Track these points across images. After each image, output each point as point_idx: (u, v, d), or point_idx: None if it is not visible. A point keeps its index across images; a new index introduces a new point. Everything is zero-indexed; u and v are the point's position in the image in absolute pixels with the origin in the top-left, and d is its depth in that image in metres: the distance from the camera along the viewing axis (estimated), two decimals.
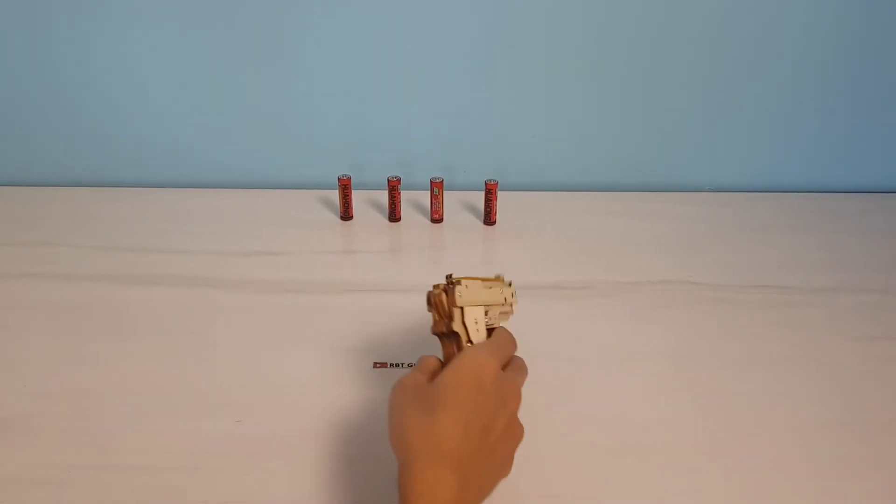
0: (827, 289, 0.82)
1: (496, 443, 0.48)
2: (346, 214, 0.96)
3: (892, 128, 1.04)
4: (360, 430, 0.61)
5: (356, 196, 0.97)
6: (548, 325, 0.75)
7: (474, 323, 0.55)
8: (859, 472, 0.58)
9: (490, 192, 0.94)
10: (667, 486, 0.57)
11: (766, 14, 0.95)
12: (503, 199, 0.96)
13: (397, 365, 0.69)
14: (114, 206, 0.99)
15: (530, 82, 1.00)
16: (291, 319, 0.76)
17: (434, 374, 0.52)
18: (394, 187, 0.93)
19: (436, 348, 0.71)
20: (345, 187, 0.94)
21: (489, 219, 0.95)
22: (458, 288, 0.55)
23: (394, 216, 0.95)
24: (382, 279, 0.83)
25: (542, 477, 0.56)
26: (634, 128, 1.04)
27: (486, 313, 0.57)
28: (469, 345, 0.54)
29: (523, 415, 0.62)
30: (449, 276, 0.57)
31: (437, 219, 0.96)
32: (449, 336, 0.56)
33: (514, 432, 0.50)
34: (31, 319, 0.75)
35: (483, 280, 0.58)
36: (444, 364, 0.54)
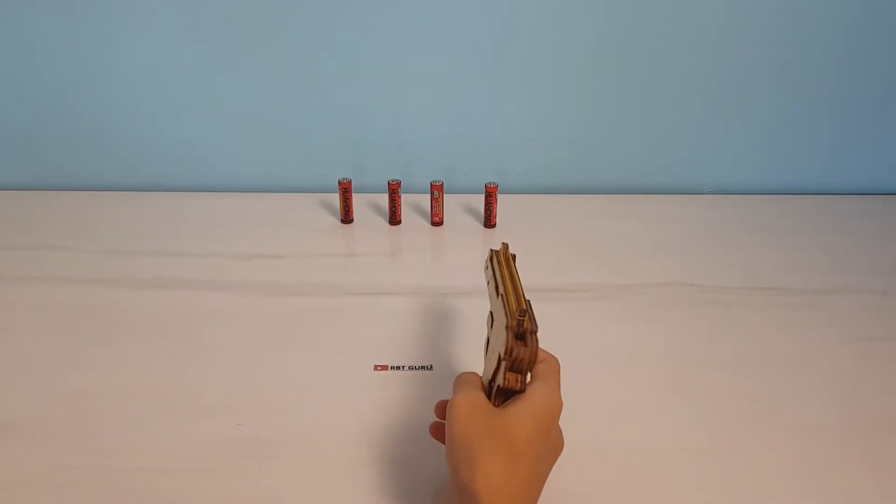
0: (827, 290, 0.82)
1: (542, 484, 0.49)
2: (347, 217, 0.96)
3: (892, 130, 1.04)
4: (360, 432, 0.61)
5: (357, 199, 0.98)
6: (548, 328, 0.75)
7: None
8: (859, 472, 0.58)
9: (490, 195, 0.94)
10: (666, 487, 0.57)
11: (765, 16, 0.96)
12: (503, 202, 0.96)
13: (398, 367, 0.69)
14: (115, 210, 0.99)
15: (530, 85, 1.00)
16: (292, 322, 0.76)
17: (482, 387, 0.50)
18: (394, 190, 0.94)
19: (434, 351, 0.71)
20: (345, 190, 0.94)
21: (489, 221, 0.95)
22: (535, 339, 0.47)
23: (394, 219, 0.96)
24: (383, 282, 0.83)
25: None
26: (634, 130, 1.04)
27: None
28: (532, 380, 0.49)
29: None
30: (524, 313, 0.47)
31: (437, 222, 0.96)
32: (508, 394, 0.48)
33: (547, 474, 0.50)
34: (32, 322, 0.75)
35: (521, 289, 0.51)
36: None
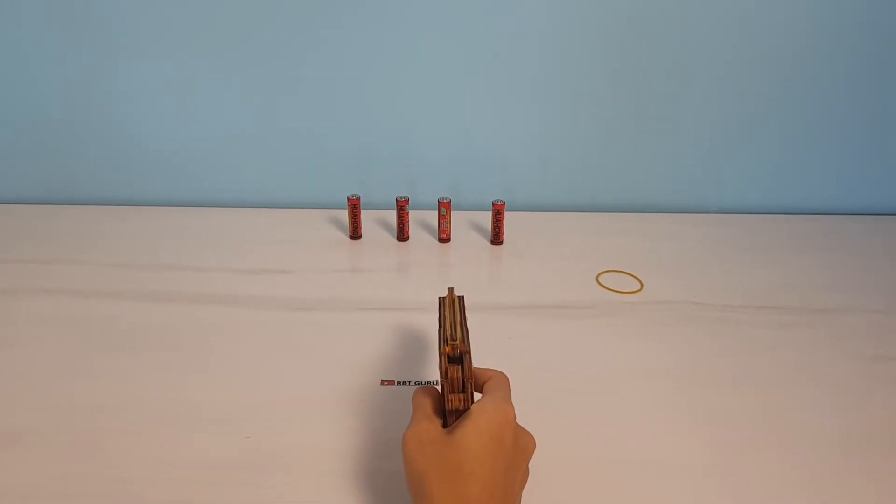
0: (829, 309, 0.83)
1: (516, 493, 0.49)
2: (355, 233, 0.97)
3: (895, 151, 1.05)
4: (367, 446, 0.62)
5: (365, 215, 0.99)
6: (552, 344, 0.76)
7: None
8: (861, 490, 0.58)
9: (498, 213, 0.95)
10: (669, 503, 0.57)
11: (769, 37, 0.97)
12: (510, 220, 0.97)
13: (404, 382, 0.69)
14: (122, 224, 1.00)
15: (537, 103, 1.01)
16: (300, 337, 0.77)
17: (437, 408, 0.52)
18: (402, 207, 0.94)
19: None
20: (354, 207, 0.95)
21: (497, 239, 0.96)
22: (468, 359, 0.50)
23: (402, 235, 0.97)
24: (390, 297, 0.84)
25: (544, 493, 0.57)
26: (641, 149, 1.05)
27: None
28: (482, 396, 0.51)
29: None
30: (455, 337, 0.51)
31: (444, 238, 0.97)
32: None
33: (525, 478, 0.51)
34: (45, 334, 0.76)
35: (463, 319, 0.54)
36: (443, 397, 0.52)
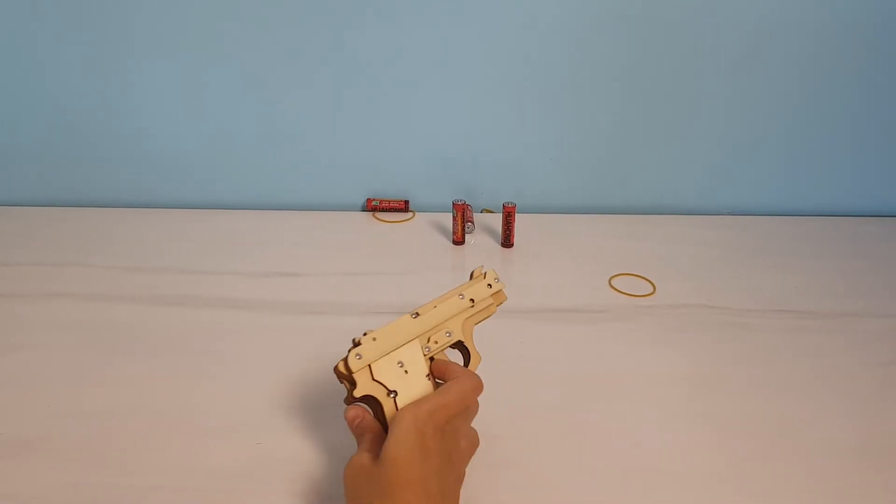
0: (845, 313, 0.82)
1: (451, 490, 0.50)
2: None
3: None
4: None
5: (377, 217, 0.98)
6: (565, 348, 0.76)
7: (398, 368, 0.55)
8: (876, 498, 0.58)
9: (509, 215, 0.94)
10: None
11: (782, 38, 0.96)
12: (521, 222, 0.96)
13: None
14: (134, 227, 1.01)
15: (548, 106, 1.01)
16: (312, 340, 0.76)
17: (375, 435, 0.53)
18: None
19: None
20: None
21: (508, 241, 0.96)
22: (354, 351, 0.54)
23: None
24: (403, 301, 0.83)
25: (557, 501, 0.57)
26: (652, 151, 1.04)
27: (428, 340, 0.57)
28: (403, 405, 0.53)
29: (540, 437, 0.62)
30: (355, 340, 0.56)
31: (458, 241, 0.96)
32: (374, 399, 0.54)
33: (461, 472, 0.52)
34: (56, 339, 0.76)
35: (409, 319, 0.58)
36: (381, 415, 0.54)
